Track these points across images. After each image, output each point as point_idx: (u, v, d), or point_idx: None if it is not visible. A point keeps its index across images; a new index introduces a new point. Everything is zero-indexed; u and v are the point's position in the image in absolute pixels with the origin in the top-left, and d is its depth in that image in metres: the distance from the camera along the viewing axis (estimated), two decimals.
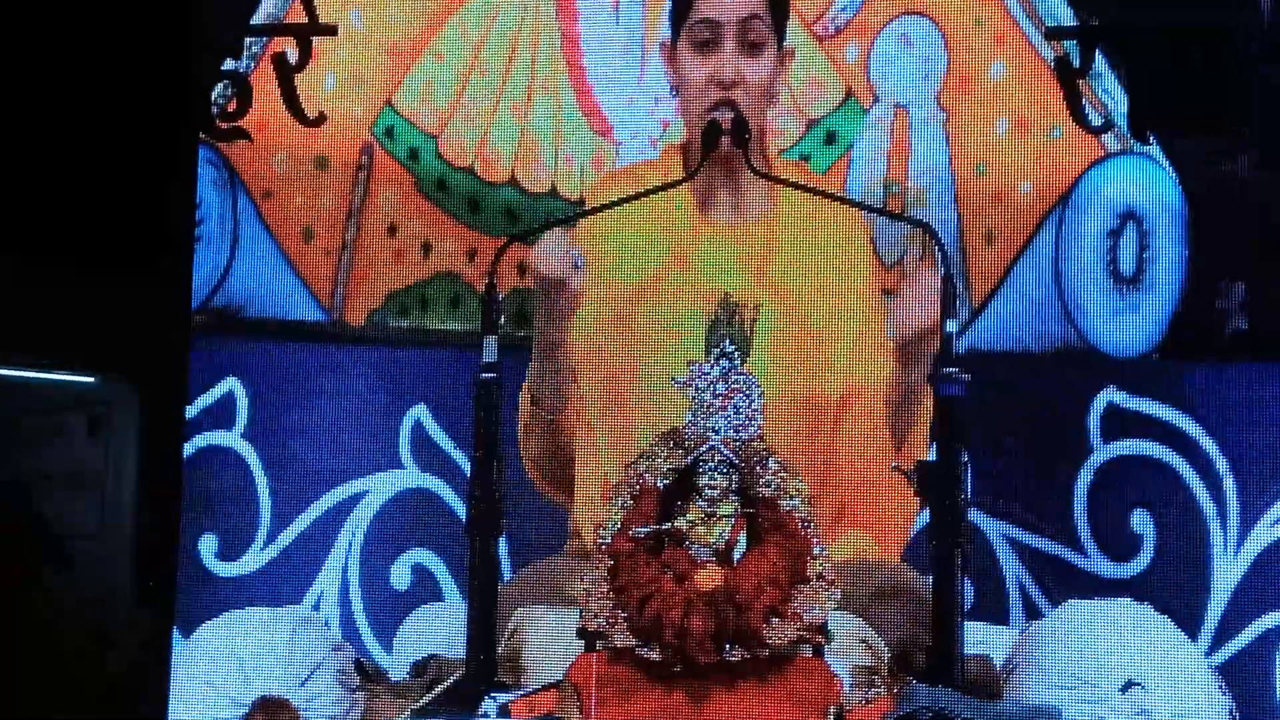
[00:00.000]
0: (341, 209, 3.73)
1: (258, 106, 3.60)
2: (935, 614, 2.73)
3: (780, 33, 3.04)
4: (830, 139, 3.69)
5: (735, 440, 2.75)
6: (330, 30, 3.62)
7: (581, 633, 2.73)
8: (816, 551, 2.73)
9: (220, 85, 3.62)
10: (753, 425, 2.75)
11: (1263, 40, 3.58)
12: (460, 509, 3.49)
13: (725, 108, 2.97)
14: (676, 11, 3.05)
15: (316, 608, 3.56)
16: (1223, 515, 3.57)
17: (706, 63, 2.99)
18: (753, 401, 2.75)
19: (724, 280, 3.00)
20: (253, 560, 3.59)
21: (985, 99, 3.66)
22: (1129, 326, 3.62)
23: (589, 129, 3.71)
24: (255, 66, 3.69)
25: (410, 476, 3.62)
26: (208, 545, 3.58)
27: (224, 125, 3.60)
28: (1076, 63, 3.60)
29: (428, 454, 3.62)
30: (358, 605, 3.59)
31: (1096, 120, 3.63)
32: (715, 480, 2.75)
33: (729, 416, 2.75)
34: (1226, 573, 3.56)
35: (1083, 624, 3.01)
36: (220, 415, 3.63)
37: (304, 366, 3.62)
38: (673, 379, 2.75)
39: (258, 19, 3.73)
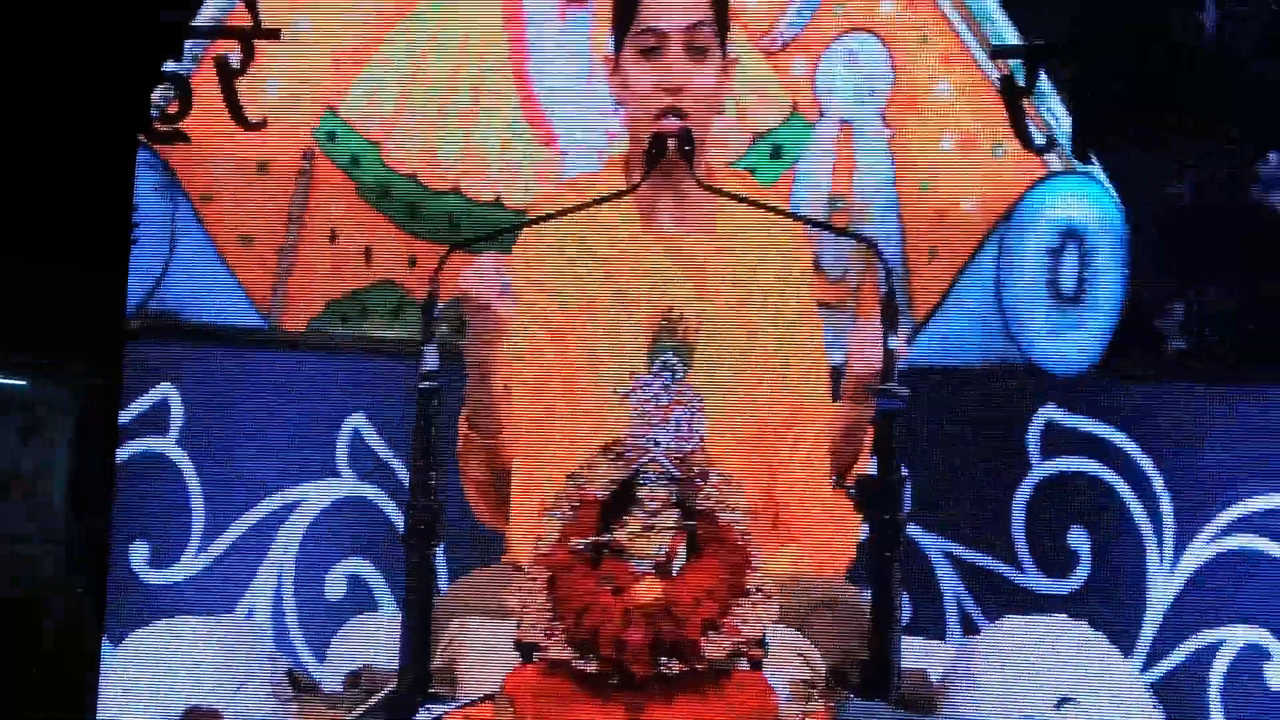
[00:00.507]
0: (282, 214, 3.70)
1: (198, 109, 3.57)
2: (873, 629, 2.73)
3: (723, 40, 3.03)
4: (776, 153, 3.70)
5: (676, 453, 2.74)
6: (274, 34, 3.59)
7: (518, 644, 2.71)
8: (755, 564, 2.73)
9: (161, 87, 3.59)
10: (694, 438, 2.74)
11: (1207, 57, 3.63)
12: (398, 519, 3.46)
13: (672, 114, 2.96)
14: (620, 21, 3.04)
15: (249, 617, 3.52)
16: (1159, 533, 3.60)
17: (653, 69, 2.98)
18: (694, 414, 2.75)
19: (668, 292, 3.00)
20: (185, 568, 3.55)
21: (930, 116, 3.68)
22: (1069, 344, 3.65)
23: (534, 140, 3.69)
24: (196, 69, 3.66)
25: (347, 485, 3.59)
26: (139, 552, 3.54)
27: (164, 128, 3.57)
28: (1021, 82, 3.62)
29: (365, 462, 3.60)
30: (291, 615, 3.55)
31: (1040, 139, 3.66)
32: (655, 492, 2.74)
33: (670, 429, 2.74)
34: (1162, 590, 3.59)
35: (1019, 640, 3.02)
36: (154, 421, 3.59)
37: (241, 373, 3.59)
38: (615, 389, 2.74)
39: (200, 21, 3.70)
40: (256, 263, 3.69)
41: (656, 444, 2.74)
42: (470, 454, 3.00)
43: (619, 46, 3.03)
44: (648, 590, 2.70)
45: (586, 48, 3.68)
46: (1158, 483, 3.60)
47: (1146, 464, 3.61)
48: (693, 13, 2.98)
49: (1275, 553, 3.59)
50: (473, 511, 3.06)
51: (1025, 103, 3.64)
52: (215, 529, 3.56)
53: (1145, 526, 3.60)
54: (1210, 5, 3.66)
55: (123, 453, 3.49)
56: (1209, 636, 3.56)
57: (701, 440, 2.75)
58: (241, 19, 3.61)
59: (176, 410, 3.59)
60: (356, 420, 3.60)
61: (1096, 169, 3.68)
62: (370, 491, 3.59)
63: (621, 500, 2.75)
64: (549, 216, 2.99)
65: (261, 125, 3.59)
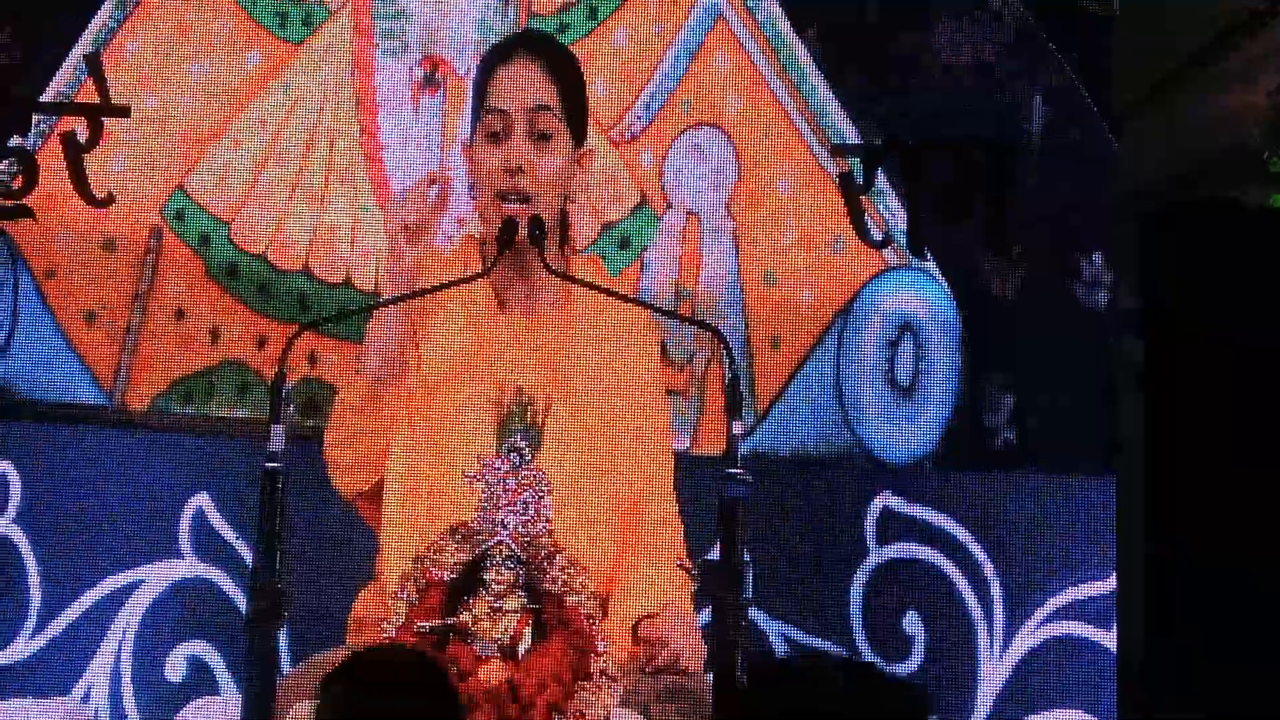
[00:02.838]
0: (127, 292, 3.66)
1: (44, 185, 3.54)
2: (715, 712, 2.76)
3: (576, 128, 3.06)
4: (624, 243, 3.77)
5: (523, 535, 2.76)
6: (123, 111, 3.58)
7: None
8: (601, 648, 2.75)
9: (5, 162, 3.55)
10: (541, 521, 2.77)
11: (1034, 160, 3.79)
12: (240, 600, 3.42)
13: (513, 196, 2.98)
14: (475, 104, 3.07)
15: (86, 700, 3.44)
16: (989, 618, 3.70)
17: (497, 151, 3.01)
18: (542, 497, 2.77)
19: (517, 375, 3.02)
20: (20, 649, 3.46)
21: (773, 210, 3.79)
22: (905, 434, 3.75)
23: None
24: (43, 144, 3.63)
25: (189, 566, 3.54)
26: None
27: (7, 203, 3.53)
28: (859, 179, 3.74)
29: (208, 543, 3.55)
30: (129, 698, 3.48)
31: (877, 235, 3.78)
32: (502, 575, 2.76)
33: (517, 512, 2.76)
34: (992, 674, 3.68)
35: None
36: None
37: (82, 451, 3.54)
38: (463, 472, 2.75)
39: (48, 96, 3.67)
40: (100, 340, 3.64)
41: (504, 526, 2.76)
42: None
43: (473, 131, 3.07)
44: (493, 673, 2.71)
45: (438, 133, 3.73)
46: (988, 569, 3.71)
47: (977, 551, 3.71)
48: (536, 96, 3.01)
49: (1098, 638, 3.70)
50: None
51: (863, 199, 3.76)
52: (53, 609, 3.49)
53: (976, 612, 3.70)
54: (1038, 109, 3.83)
55: None
56: None
57: (548, 523, 2.77)
58: (90, 95, 3.58)
59: (15, 489, 3.52)
60: (200, 500, 3.56)
61: (931, 264, 3.80)
62: (213, 572, 3.55)
63: (468, 583, 2.76)
64: (401, 298, 3.01)
65: (108, 202, 3.56)
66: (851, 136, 3.79)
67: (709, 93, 3.80)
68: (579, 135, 3.06)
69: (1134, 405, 3.83)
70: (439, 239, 3.64)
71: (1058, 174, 3.81)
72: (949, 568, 3.71)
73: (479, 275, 3.00)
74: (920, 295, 3.79)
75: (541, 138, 2.99)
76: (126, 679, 3.48)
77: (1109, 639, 3.68)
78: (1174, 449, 3.85)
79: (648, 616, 2.96)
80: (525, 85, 2.99)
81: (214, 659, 3.50)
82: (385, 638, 2.75)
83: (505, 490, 2.76)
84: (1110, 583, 3.70)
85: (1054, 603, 3.71)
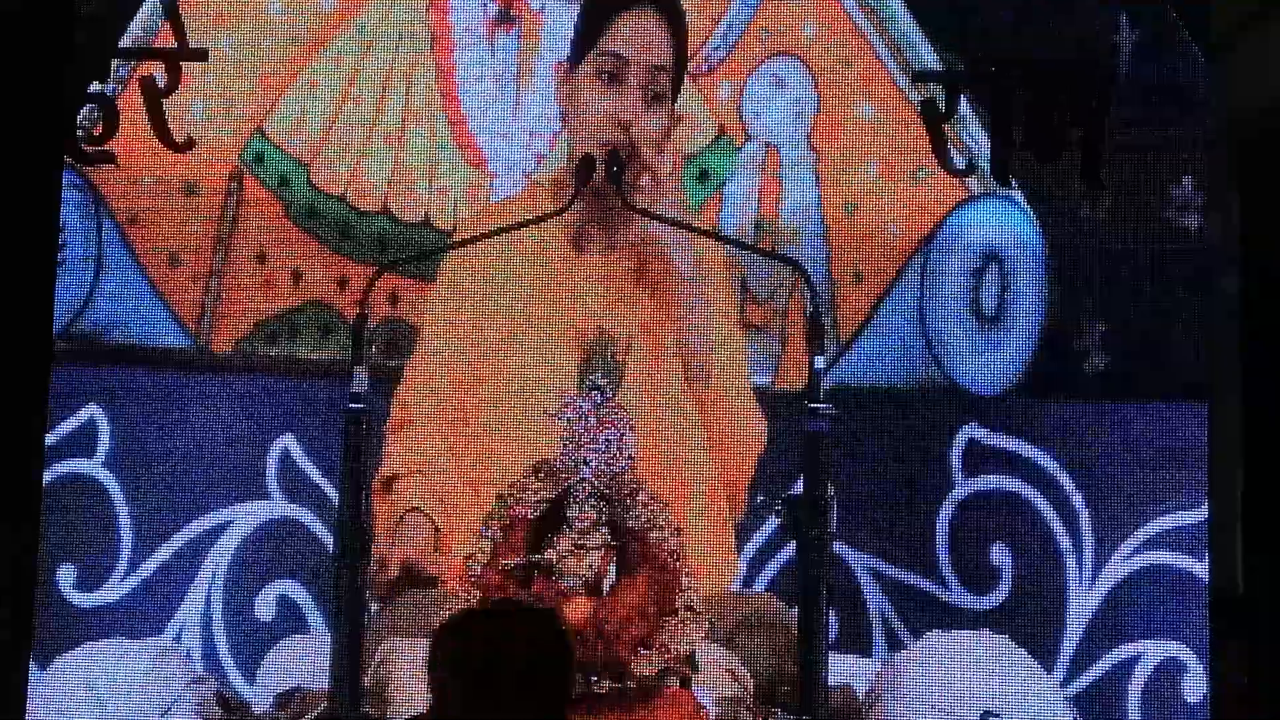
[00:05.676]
0: (209, 235, 3.69)
1: (125, 130, 3.56)
2: (800, 645, 2.77)
3: (676, 90, 3.07)
4: (703, 176, 3.74)
5: (606, 473, 2.76)
6: (200, 55, 3.59)
7: None
8: (685, 583, 2.76)
9: (86, 108, 3.58)
10: (623, 458, 2.77)
11: (1121, 87, 3.71)
12: (328, 539, 3.46)
13: (622, 146, 2.99)
14: (585, 34, 3.05)
15: (178, 639, 3.50)
16: (1078, 549, 3.66)
17: (608, 95, 3.01)
18: (624, 434, 2.77)
19: (597, 314, 3.02)
20: (112, 590, 3.52)
21: (854, 140, 3.74)
22: (990, 364, 3.71)
23: (463, 161, 3.71)
24: (123, 90, 3.65)
25: (277, 506, 3.58)
26: (66, 575, 3.51)
27: (89, 149, 3.55)
28: (942, 107, 3.68)
29: (295, 484, 3.59)
30: (220, 637, 3.54)
31: (960, 163, 3.72)
32: (585, 512, 2.77)
33: (600, 449, 2.77)
34: (1081, 605, 3.65)
35: (943, 655, 3.06)
36: (81, 442, 3.57)
37: (169, 394, 3.58)
38: (545, 410, 2.76)
39: (126, 42, 3.68)
40: (184, 284, 3.67)
41: (586, 464, 2.76)
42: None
43: (579, 58, 3.04)
44: (578, 609, 2.72)
45: (514, 70, 3.71)
46: (1077, 500, 3.67)
47: (1066, 482, 3.67)
48: (658, 55, 3.01)
49: (1190, 568, 3.66)
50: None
51: (946, 127, 3.70)
52: (143, 551, 3.54)
53: (1065, 543, 3.66)
54: (1125, 32, 3.75)
55: (49, 474, 3.46)
56: (1127, 650, 3.63)
57: (631, 460, 2.77)
58: (168, 40, 3.60)
59: (104, 432, 3.57)
60: (286, 441, 3.59)
61: (1016, 192, 3.74)
62: (300, 512, 3.58)
63: (552, 520, 2.77)
64: (478, 238, 3.01)
65: (188, 146, 3.58)
66: (933, 63, 3.73)
67: (787, 22, 3.75)
68: (676, 95, 3.06)
69: (1230, 334, 3.76)
70: (519, 179, 3.64)
71: (1146, 98, 3.73)
72: (1036, 498, 3.67)
73: (558, 212, 3.00)
74: (1005, 224, 3.73)
75: (655, 98, 3.00)
76: (217, 618, 3.53)
77: (1201, 568, 3.64)
78: (1272, 377, 3.78)
79: None
80: (650, 40, 3.00)
81: (303, 598, 3.54)
82: (472, 574, 2.77)
83: (587, 428, 2.77)
84: (1202, 511, 3.65)
85: (1145, 532, 3.67)
